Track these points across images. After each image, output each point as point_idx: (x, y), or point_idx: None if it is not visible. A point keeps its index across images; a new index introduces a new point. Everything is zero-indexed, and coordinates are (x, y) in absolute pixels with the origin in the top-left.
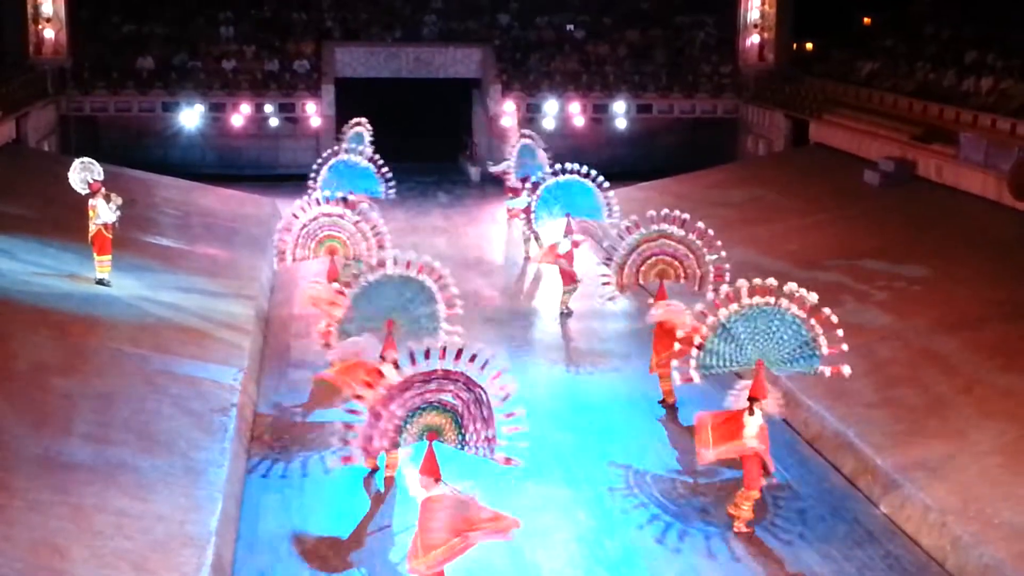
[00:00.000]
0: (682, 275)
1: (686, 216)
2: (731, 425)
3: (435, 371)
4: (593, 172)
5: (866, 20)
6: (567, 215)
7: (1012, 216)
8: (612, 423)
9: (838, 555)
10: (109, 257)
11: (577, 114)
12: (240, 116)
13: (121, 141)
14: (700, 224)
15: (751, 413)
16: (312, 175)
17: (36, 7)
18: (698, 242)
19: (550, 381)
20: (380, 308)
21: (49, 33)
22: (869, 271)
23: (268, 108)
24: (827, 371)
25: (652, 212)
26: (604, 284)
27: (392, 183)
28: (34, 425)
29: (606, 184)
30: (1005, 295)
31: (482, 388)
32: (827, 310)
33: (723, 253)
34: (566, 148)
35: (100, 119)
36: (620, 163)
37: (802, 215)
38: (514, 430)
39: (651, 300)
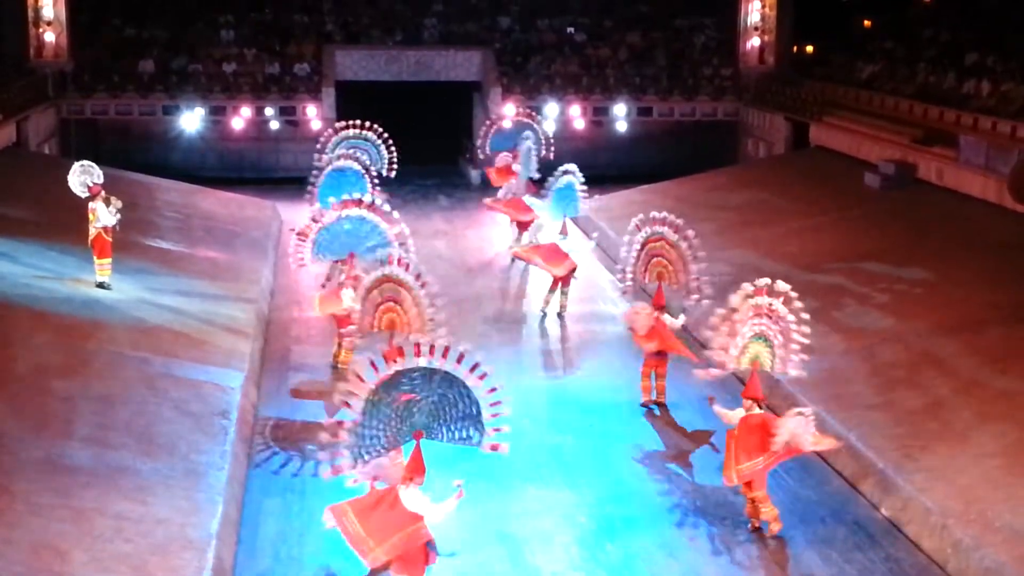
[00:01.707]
0: (674, 281)
1: (680, 221)
2: (758, 436)
3: (413, 369)
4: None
5: (866, 23)
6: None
7: (1012, 219)
8: (612, 426)
9: (839, 558)
10: (109, 260)
11: (578, 117)
12: (241, 119)
13: (121, 144)
14: (690, 232)
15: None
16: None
17: (37, 10)
18: (688, 251)
19: (550, 384)
20: None
21: (50, 36)
22: (870, 274)
23: (269, 111)
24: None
25: (654, 213)
26: (622, 281)
27: (395, 160)
28: (35, 428)
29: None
30: (1005, 298)
31: (462, 381)
32: (799, 303)
33: (704, 266)
34: (567, 151)
35: (100, 122)
36: (620, 166)
37: (802, 218)
38: (497, 416)
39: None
